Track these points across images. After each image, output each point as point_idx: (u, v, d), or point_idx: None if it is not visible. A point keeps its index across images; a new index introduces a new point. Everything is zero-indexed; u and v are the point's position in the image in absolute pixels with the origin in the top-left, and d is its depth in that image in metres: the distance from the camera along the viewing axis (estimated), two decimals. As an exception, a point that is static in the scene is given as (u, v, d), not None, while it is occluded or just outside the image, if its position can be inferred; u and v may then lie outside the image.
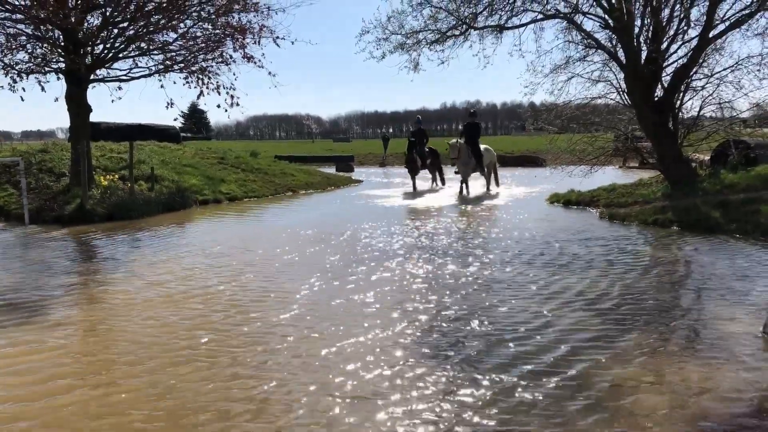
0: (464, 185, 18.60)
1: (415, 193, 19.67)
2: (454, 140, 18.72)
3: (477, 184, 20.25)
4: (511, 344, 5.15)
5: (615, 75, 15.09)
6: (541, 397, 4.11)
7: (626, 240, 10.15)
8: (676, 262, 8.47)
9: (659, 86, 14.12)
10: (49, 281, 7.87)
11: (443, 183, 22.13)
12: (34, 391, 4.38)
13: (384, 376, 4.51)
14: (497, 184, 20.21)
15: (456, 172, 19.28)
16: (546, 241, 10.07)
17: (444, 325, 5.73)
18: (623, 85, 14.54)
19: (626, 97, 14.67)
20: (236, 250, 9.90)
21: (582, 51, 15.25)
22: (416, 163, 20.68)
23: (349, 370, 4.66)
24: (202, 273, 8.21)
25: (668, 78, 14.08)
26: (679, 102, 14.50)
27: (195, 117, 62.49)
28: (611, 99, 15.59)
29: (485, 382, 4.37)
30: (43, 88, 14.92)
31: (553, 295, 6.71)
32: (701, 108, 14.87)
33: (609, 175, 18.86)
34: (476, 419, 3.81)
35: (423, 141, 21.36)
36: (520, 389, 4.24)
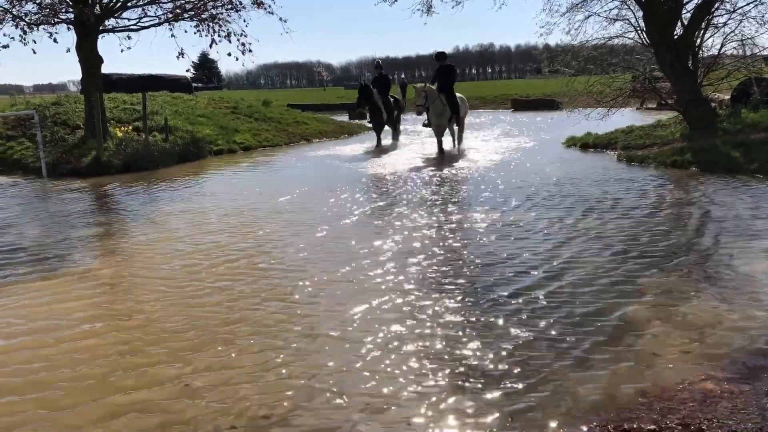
0: (439, 142, 15.35)
1: (386, 149, 16.83)
2: (420, 84, 15.52)
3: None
4: (525, 282, 5.17)
5: (633, 13, 14.74)
6: (554, 332, 4.17)
7: (644, 182, 10.06)
8: (694, 203, 8.40)
9: (679, 24, 13.76)
10: (71, 233, 7.96)
11: (399, 137, 18.90)
12: (58, 341, 4.48)
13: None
14: (461, 140, 16.58)
15: (425, 125, 15.94)
16: (563, 184, 10.00)
17: (461, 270, 5.76)
18: (642, 24, 14.19)
19: (645, 36, 14.32)
20: (256, 199, 9.93)
21: (600, -12, 14.85)
22: (382, 116, 17.62)
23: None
24: (220, 223, 8.27)
25: (688, 15, 13.72)
26: (699, 40, 14.17)
27: (206, 67, 61.97)
28: (629, 38, 15.27)
29: (500, 321, 4.41)
30: (55, 39, 14.83)
31: (571, 238, 6.69)
32: (722, 45, 14.55)
33: (626, 117, 18.57)
34: (490, 355, 3.86)
35: (386, 89, 18.27)
36: (532, 324, 4.29)
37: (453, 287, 5.21)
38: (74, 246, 7.28)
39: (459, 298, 4.95)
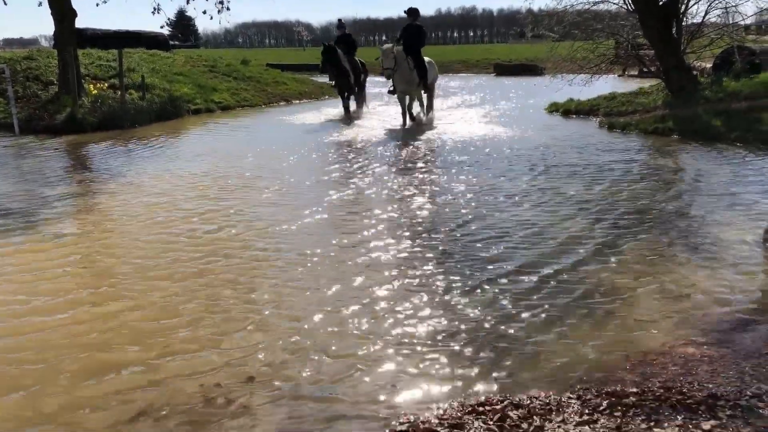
0: (404, 110, 13.77)
1: (356, 119, 15.22)
2: (388, 45, 13.66)
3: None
4: (508, 250, 5.16)
5: (619, -23, 14.57)
6: (535, 298, 4.17)
7: (625, 149, 10.08)
8: (675, 170, 8.44)
9: (665, -10, 13.65)
10: (45, 191, 7.78)
11: (360, 106, 17.00)
12: (33, 304, 4.38)
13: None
14: (431, 108, 15.46)
15: (390, 92, 14.26)
16: (544, 151, 9.97)
17: (442, 235, 5.73)
18: (627, -10, 14.06)
19: (629, 1, 14.21)
20: (232, 158, 9.79)
21: (586, -49, 14.65)
22: (349, 78, 15.80)
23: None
24: (198, 182, 8.14)
25: (674, -19, 13.60)
26: (684, 7, 14.10)
27: (183, 25, 60.63)
28: (614, 3, 15.13)
29: (486, 285, 4.40)
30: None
31: (551, 204, 6.68)
32: (706, 13, 14.51)
33: (609, 84, 18.53)
34: (473, 321, 3.85)
35: (351, 51, 16.41)
36: (517, 288, 4.29)
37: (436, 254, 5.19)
38: (45, 205, 7.11)
39: (440, 260, 4.94)
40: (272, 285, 4.51)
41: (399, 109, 13.91)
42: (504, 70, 36.34)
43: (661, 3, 13.44)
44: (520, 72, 34.56)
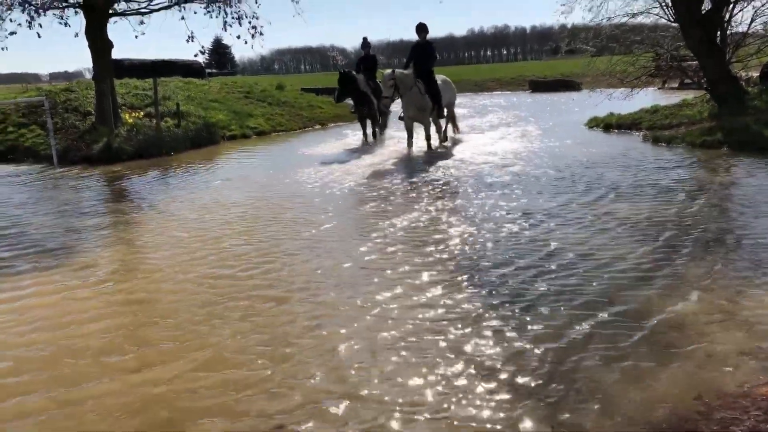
0: (410, 137, 12.67)
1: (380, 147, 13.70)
2: (389, 70, 12.17)
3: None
4: (558, 275, 4.81)
5: (659, -14, 14.17)
6: (592, 332, 3.79)
7: (674, 163, 9.61)
8: (729, 185, 7.97)
9: (707, -2, 13.21)
10: (81, 222, 7.70)
11: (381, 132, 15.40)
12: (62, 334, 4.19)
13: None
14: (456, 129, 14.41)
15: (401, 118, 12.81)
16: (588, 167, 9.56)
17: (487, 263, 5.40)
18: (667, -1, 13.64)
19: (670, 11, 13.78)
20: (270, 184, 9.62)
21: (624, -37, 14.31)
22: (371, 106, 14.38)
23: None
24: (235, 209, 7.96)
25: (717, -11, 13.15)
26: (728, 15, 13.61)
27: (220, 53, 61.69)
28: (654, 14, 14.70)
29: (537, 321, 4.05)
30: (66, 24, 14.57)
31: (601, 224, 6.30)
32: (752, 20, 13.99)
33: (649, 97, 17.98)
34: (527, 354, 3.52)
35: (373, 72, 14.93)
36: (570, 324, 3.93)
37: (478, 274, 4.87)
38: (81, 236, 7.01)
39: (484, 288, 4.61)
40: (343, 339, 4.18)
41: (422, 133, 12.58)
42: (539, 86, 35.89)
43: (704, 12, 12.98)
44: (556, 88, 34.14)
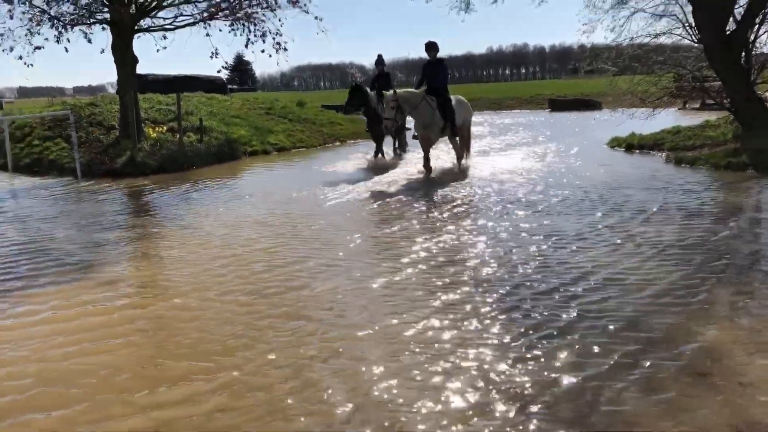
0: (426, 158, 11.93)
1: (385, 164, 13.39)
2: (391, 92, 11.70)
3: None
4: (587, 299, 4.75)
5: (681, 8, 14.13)
6: (623, 360, 3.72)
7: (700, 185, 9.51)
8: (758, 208, 7.87)
9: (731, 19, 13.13)
10: (104, 236, 7.76)
11: (404, 150, 15.27)
12: (87, 350, 4.21)
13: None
14: (467, 151, 13.53)
15: (415, 137, 12.45)
16: (612, 189, 9.50)
17: (505, 289, 5.36)
18: (690, 20, 13.58)
19: (694, 32, 13.72)
20: (292, 201, 9.64)
21: (646, -17, 14.30)
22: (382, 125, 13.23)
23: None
24: (255, 224, 7.99)
25: (741, 10, 13.08)
26: (753, 36, 13.51)
27: (241, 69, 62.36)
28: (677, 35, 14.63)
29: (567, 348, 4.00)
30: (89, 40, 14.83)
31: (630, 247, 6.23)
32: (778, 41, 13.87)
33: (671, 118, 17.87)
34: (557, 382, 3.47)
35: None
36: (601, 351, 3.87)
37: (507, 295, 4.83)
38: (104, 250, 7.06)
39: (510, 315, 4.57)
40: (367, 364, 4.18)
41: (440, 152, 12.37)
42: (559, 105, 35.80)
43: (728, 32, 12.91)
44: (576, 107, 34.05)
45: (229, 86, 35.52)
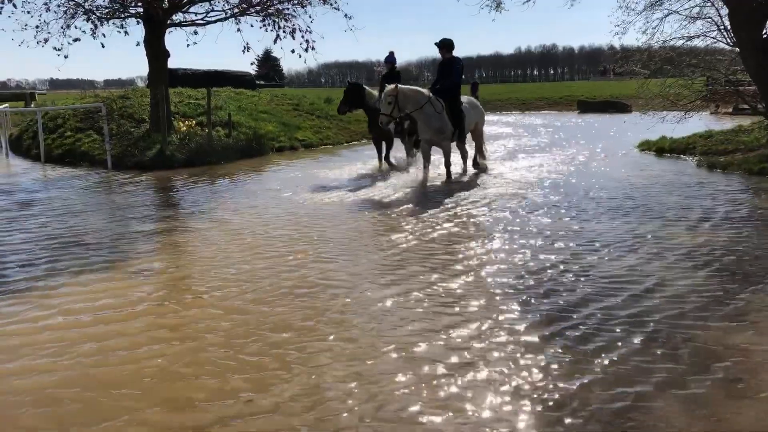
0: (426, 163, 11.12)
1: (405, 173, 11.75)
2: (391, 86, 10.47)
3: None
4: (616, 304, 4.71)
5: (717, 10, 13.90)
6: (659, 366, 3.67)
7: (732, 190, 9.36)
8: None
9: (768, 23, 12.90)
10: (132, 227, 7.87)
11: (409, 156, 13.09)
12: (116, 342, 4.27)
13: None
14: (483, 156, 12.65)
15: (416, 139, 11.81)
16: (643, 192, 9.39)
17: (535, 290, 5.33)
18: (726, 23, 13.35)
19: (728, 35, 13.50)
20: (318, 196, 9.68)
21: (681, -16, 14.10)
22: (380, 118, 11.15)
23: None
24: (282, 220, 8.03)
25: (779, 12, 12.83)
26: (790, 39, 13.24)
27: (269, 65, 62.66)
28: (711, 38, 14.40)
29: (602, 355, 3.97)
30: (126, 32, 15.05)
31: (659, 252, 6.15)
32: (816, 44, 13.55)
33: (702, 122, 17.55)
34: (591, 390, 3.43)
35: None
36: (637, 358, 3.82)
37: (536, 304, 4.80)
38: (133, 242, 7.15)
39: (541, 309, 4.54)
40: (387, 378, 4.19)
41: (459, 158, 11.69)
42: (588, 107, 35.51)
43: (765, 37, 12.68)
44: (605, 109, 33.75)
45: (258, 82, 35.72)
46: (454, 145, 11.40)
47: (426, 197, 9.47)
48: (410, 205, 8.75)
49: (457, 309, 4.65)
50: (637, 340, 4.00)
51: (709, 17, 14.19)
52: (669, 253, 5.99)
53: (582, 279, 5.29)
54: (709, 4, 14.16)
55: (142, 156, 13.99)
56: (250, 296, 5.05)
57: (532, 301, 4.79)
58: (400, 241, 6.74)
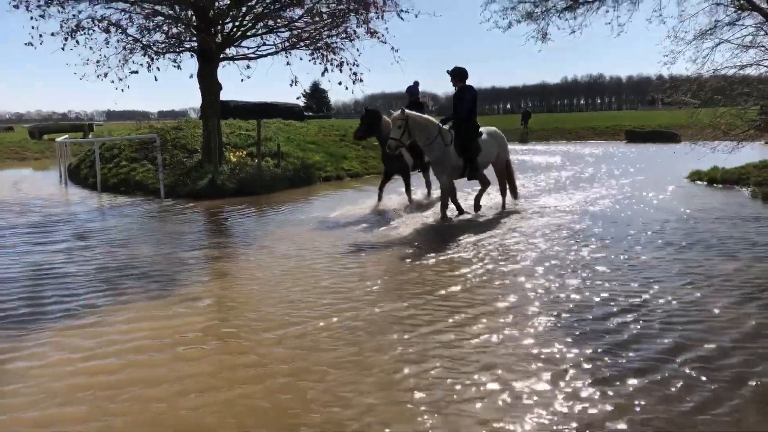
0: (442, 203, 10.26)
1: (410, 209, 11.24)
2: (398, 111, 9.90)
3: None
4: (670, 333, 4.64)
5: (772, 38, 13.67)
6: (707, 395, 3.61)
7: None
8: None
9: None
10: (183, 254, 8.08)
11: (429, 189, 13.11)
12: (163, 368, 4.39)
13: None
14: (514, 194, 11.65)
15: (430, 164, 11.26)
16: (696, 223, 9.22)
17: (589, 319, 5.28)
18: (781, 51, 13.14)
19: (784, 63, 13.25)
20: (364, 230, 9.78)
21: (733, 14, 13.93)
22: (402, 156, 11.61)
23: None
24: (329, 247, 8.14)
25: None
26: None
27: (316, 96, 63.82)
28: (765, 66, 14.14)
29: (645, 381, 3.92)
30: (179, 66, 15.55)
31: (710, 283, 6.04)
32: None
33: (756, 152, 17.20)
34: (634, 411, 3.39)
35: None
36: (683, 381, 3.77)
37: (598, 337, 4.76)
38: (185, 268, 7.34)
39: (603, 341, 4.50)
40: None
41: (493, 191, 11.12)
42: (636, 136, 35.02)
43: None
44: (653, 139, 33.26)
45: (306, 113, 36.43)
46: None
47: (472, 228, 9.46)
48: (456, 240, 8.77)
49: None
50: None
51: (763, 45, 13.97)
52: (724, 285, 5.87)
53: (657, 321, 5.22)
54: (762, 32, 13.95)
55: (194, 185, 14.37)
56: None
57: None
58: (456, 282, 6.76)
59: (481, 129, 10.47)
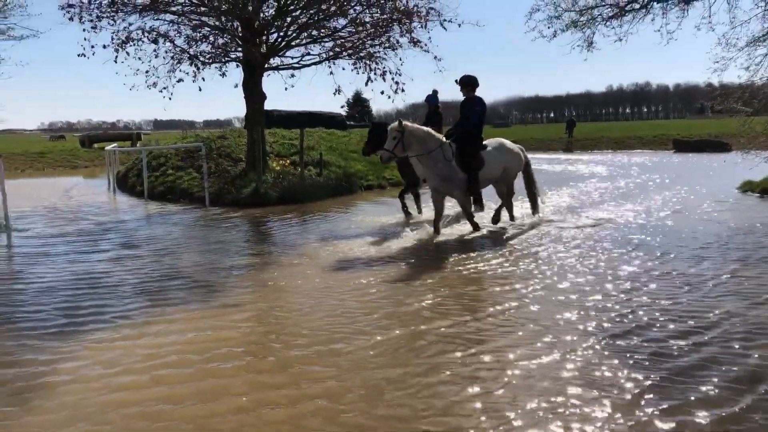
0: (438, 216, 9.85)
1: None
2: (395, 123, 9.49)
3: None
4: (707, 346, 4.48)
5: (828, 45, 13.23)
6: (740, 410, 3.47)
7: None
8: None
9: None
10: (227, 262, 8.16)
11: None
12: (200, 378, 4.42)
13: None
14: (510, 211, 10.74)
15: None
16: (747, 234, 8.94)
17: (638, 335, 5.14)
18: (838, 57, 12.69)
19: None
20: (404, 240, 9.73)
21: (787, 20, 13.50)
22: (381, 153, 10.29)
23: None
24: (373, 258, 8.12)
25: None
26: None
27: (358, 105, 64.21)
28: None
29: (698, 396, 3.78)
30: (224, 74, 15.86)
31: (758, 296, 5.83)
32: None
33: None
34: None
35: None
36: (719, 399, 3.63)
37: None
38: (228, 275, 7.41)
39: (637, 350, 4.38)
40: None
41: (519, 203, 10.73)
42: (684, 146, 34.27)
43: None
44: (702, 148, 32.48)
45: (348, 122, 36.66)
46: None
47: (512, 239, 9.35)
48: (500, 253, 8.67)
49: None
50: None
51: (819, 51, 13.52)
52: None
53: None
54: (818, 38, 13.51)
55: (239, 193, 14.55)
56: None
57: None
58: (512, 299, 6.68)
59: (485, 141, 10.05)
